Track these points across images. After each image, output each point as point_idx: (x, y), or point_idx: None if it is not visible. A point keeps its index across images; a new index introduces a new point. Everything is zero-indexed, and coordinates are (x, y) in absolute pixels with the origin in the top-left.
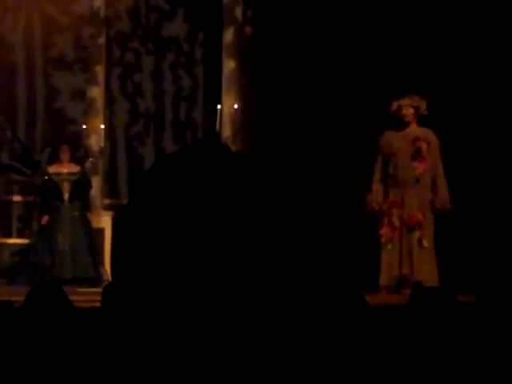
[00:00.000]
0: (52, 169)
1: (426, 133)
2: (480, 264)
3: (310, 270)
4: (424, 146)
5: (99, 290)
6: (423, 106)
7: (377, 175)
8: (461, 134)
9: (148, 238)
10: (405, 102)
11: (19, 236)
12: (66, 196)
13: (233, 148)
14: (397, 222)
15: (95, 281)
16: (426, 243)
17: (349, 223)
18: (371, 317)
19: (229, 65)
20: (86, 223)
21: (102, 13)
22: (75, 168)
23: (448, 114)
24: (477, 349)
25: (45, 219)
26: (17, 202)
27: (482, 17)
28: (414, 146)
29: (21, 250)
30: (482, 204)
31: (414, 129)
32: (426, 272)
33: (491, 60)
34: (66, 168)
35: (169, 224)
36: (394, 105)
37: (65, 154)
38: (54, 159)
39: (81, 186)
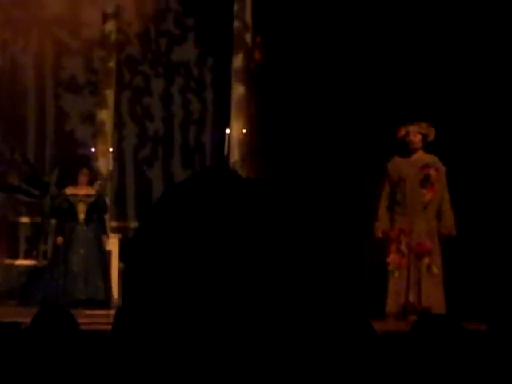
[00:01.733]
0: (69, 190)
1: (434, 160)
2: (488, 291)
3: (323, 297)
4: (433, 172)
5: (107, 312)
6: (431, 133)
7: (384, 202)
8: (465, 160)
9: (160, 266)
10: (413, 128)
11: (26, 257)
12: (82, 217)
13: (241, 173)
14: (405, 250)
15: (105, 303)
16: (435, 270)
17: (356, 249)
18: (378, 343)
19: (238, 90)
20: (100, 245)
21: (113, 37)
22: (92, 190)
23: (452, 141)
24: (483, 377)
25: (59, 240)
26: (24, 224)
27: (488, 47)
28: (422, 172)
29: (29, 271)
30: (489, 230)
31: (421, 155)
32: (434, 299)
33: (495, 90)
34: (83, 190)
35: (181, 252)
36: (402, 131)
37: (84, 177)
38: (70, 181)
39: (96, 208)
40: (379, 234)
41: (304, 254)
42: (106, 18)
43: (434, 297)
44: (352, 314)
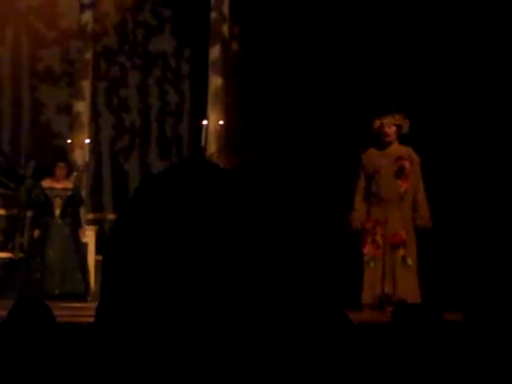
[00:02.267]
0: (45, 183)
1: (408, 151)
2: (463, 281)
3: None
4: (407, 164)
5: (86, 305)
6: (406, 124)
7: (360, 193)
8: (439, 151)
9: (138, 257)
10: (387, 120)
11: (2, 250)
12: (58, 212)
13: (219, 163)
14: (380, 241)
15: (84, 296)
16: (409, 261)
17: (332, 240)
18: (354, 334)
19: (215, 81)
20: (76, 239)
21: (90, 28)
22: (69, 184)
23: (426, 132)
24: (463, 366)
25: (36, 233)
26: (0, 216)
27: (462, 40)
28: (397, 164)
29: (6, 264)
30: (463, 221)
31: (396, 147)
32: (409, 290)
33: (470, 81)
34: (60, 184)
35: (158, 243)
36: (377, 123)
37: (61, 171)
38: (47, 173)
39: (72, 202)
40: (356, 226)
41: (280, 244)
42: (82, 8)
43: (408, 288)
44: (328, 305)
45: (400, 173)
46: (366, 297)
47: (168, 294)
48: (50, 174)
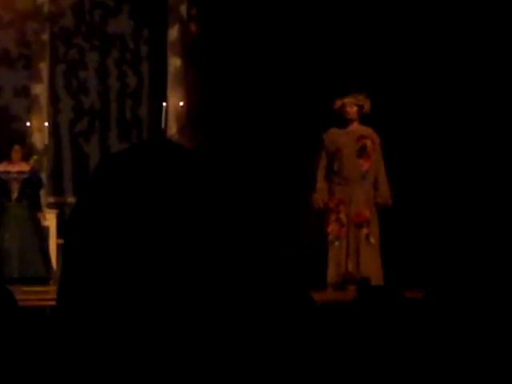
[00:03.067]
0: (1, 167)
1: (369, 131)
2: (424, 260)
3: (260, 266)
4: (369, 143)
5: (49, 288)
6: (367, 104)
7: (321, 172)
8: (399, 131)
9: (99, 239)
10: (349, 99)
11: None
12: (15, 195)
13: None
14: (344, 219)
15: (46, 280)
16: (372, 239)
17: (294, 220)
18: (316, 314)
19: (174, 62)
20: (36, 223)
21: (46, 8)
22: (26, 167)
23: (386, 113)
24: (425, 346)
25: None
26: None
27: (420, 18)
28: (359, 143)
29: None
30: (424, 200)
31: (357, 127)
32: (372, 268)
33: (429, 62)
34: (16, 167)
35: (119, 224)
36: (338, 102)
37: (16, 154)
38: (4, 157)
39: (30, 185)
40: (318, 205)
41: (242, 224)
42: None
43: (372, 267)
44: (290, 286)
45: (362, 152)
46: (332, 276)
47: (127, 277)
48: (7, 159)
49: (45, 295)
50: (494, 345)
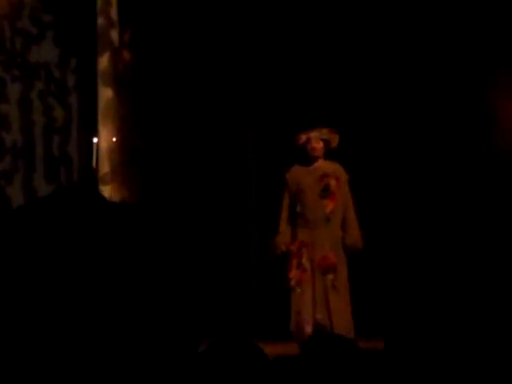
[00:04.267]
0: None
1: (334, 168)
2: (391, 306)
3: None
4: (333, 182)
5: None
6: (334, 139)
7: (284, 214)
8: (370, 166)
9: (11, 284)
10: (314, 134)
11: None
12: None
13: (112, 186)
14: (307, 264)
15: None
16: (340, 286)
17: (248, 268)
18: (265, 369)
19: (105, 93)
20: None
21: None
22: None
23: (355, 147)
24: None
25: None
26: None
27: (387, 46)
28: (322, 182)
29: None
30: (399, 241)
31: (322, 164)
32: (341, 317)
33: (398, 92)
34: None
35: (35, 272)
36: (303, 137)
37: None
38: None
39: None
40: (280, 249)
41: (176, 279)
42: None
43: (340, 315)
44: (238, 339)
45: (325, 192)
46: (294, 325)
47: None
48: None
49: None
50: None
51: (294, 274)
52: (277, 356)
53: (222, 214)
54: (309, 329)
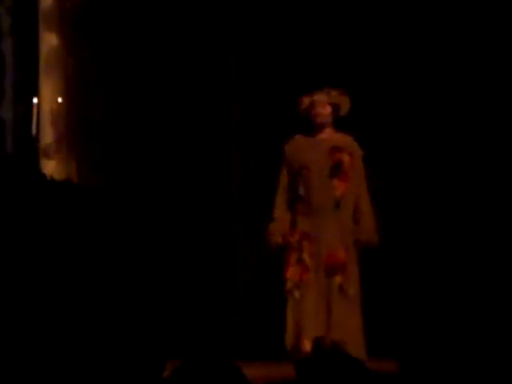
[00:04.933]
0: None
1: (347, 141)
2: (409, 319)
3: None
4: (346, 158)
5: None
6: (345, 104)
7: (281, 197)
8: (389, 142)
9: None
10: (320, 97)
11: None
12: None
13: (57, 160)
14: (309, 261)
15: None
16: (350, 290)
17: (235, 269)
18: None
19: (48, 40)
20: None
21: None
22: None
23: (370, 116)
24: None
25: None
26: None
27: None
28: (332, 157)
29: None
30: (414, 240)
31: (331, 134)
32: (349, 330)
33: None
34: None
35: None
36: (306, 101)
37: None
38: None
39: None
40: (277, 241)
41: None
42: None
43: (349, 327)
44: (214, 358)
45: (336, 170)
46: (290, 341)
47: None
48: None
49: None
50: None
51: (291, 273)
52: (267, 380)
53: (196, 201)
54: (308, 345)
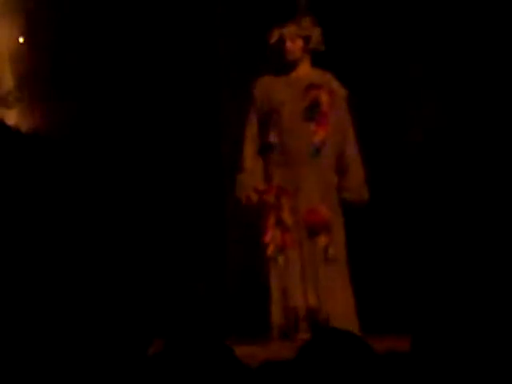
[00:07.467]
0: None
1: (325, 77)
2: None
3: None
4: (324, 97)
5: None
6: (316, 35)
7: (250, 145)
8: (375, 80)
9: None
10: (290, 29)
11: None
12: None
13: (20, 109)
14: (289, 220)
15: None
16: (335, 254)
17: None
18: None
19: None
20: None
21: None
22: None
23: (351, 48)
24: None
25: None
26: None
27: None
28: (307, 96)
29: None
30: (409, 198)
31: (306, 71)
32: (338, 299)
33: None
34: None
35: None
36: (275, 34)
37: None
38: None
39: None
40: (249, 197)
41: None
42: None
43: (336, 297)
44: (202, 336)
45: (312, 111)
46: (277, 314)
47: None
48: None
49: None
50: None
51: (271, 236)
52: (266, 359)
53: (179, 164)
54: (302, 317)
